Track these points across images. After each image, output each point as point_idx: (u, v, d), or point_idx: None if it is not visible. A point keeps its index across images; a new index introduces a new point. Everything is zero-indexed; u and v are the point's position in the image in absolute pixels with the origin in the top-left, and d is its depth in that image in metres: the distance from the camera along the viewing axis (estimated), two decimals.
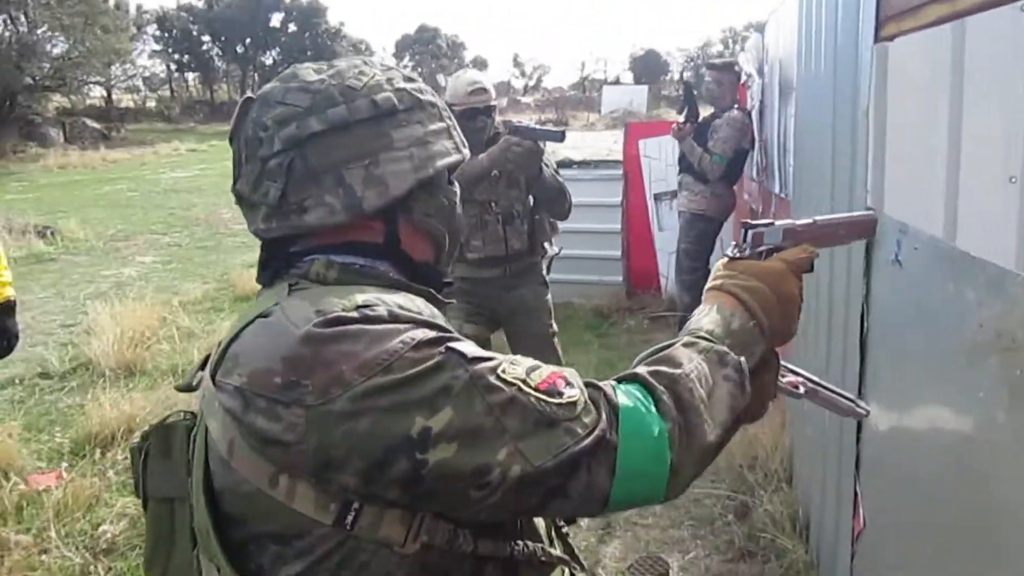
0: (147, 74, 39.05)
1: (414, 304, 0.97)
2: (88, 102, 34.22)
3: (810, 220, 1.22)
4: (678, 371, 0.94)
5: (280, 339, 0.89)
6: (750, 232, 1.17)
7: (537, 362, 0.94)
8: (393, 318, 0.91)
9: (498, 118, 3.41)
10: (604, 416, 0.89)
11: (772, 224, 1.19)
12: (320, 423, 0.84)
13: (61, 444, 4.16)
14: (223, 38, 40.26)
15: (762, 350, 1.04)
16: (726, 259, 1.14)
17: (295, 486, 0.87)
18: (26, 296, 8.11)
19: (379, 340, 0.87)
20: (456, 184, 1.17)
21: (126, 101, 38.35)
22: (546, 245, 3.50)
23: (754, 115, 4.64)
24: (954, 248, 1.48)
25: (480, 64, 65.63)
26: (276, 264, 1.06)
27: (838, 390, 1.28)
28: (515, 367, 0.90)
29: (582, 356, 5.43)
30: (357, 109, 1.01)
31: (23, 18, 25.80)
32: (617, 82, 55.44)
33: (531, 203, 3.39)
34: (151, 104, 38.13)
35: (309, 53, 42.72)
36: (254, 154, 1.01)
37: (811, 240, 1.19)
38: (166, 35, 39.47)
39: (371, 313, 0.90)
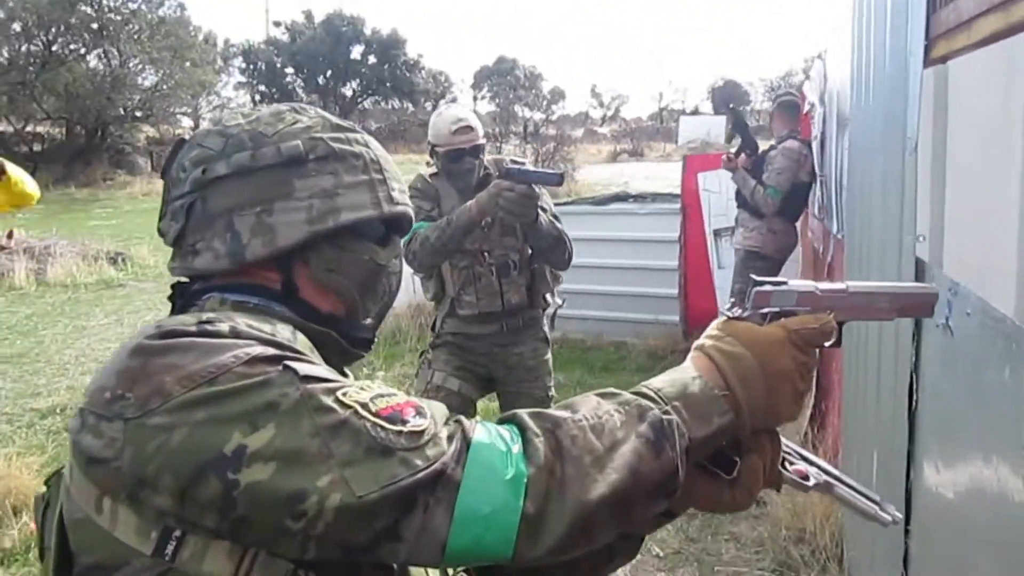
0: (233, 105, 40.44)
1: (272, 327, 0.92)
2: (176, 132, 35.53)
3: (841, 286, 1.00)
4: (567, 416, 0.84)
5: (119, 355, 0.87)
6: (754, 291, 0.97)
7: (394, 390, 0.86)
8: (234, 334, 0.86)
9: (487, 157, 3.03)
10: (453, 450, 0.80)
11: (785, 284, 0.98)
12: (136, 437, 0.79)
13: None
14: (305, 70, 41.39)
15: (725, 423, 0.88)
16: (723, 318, 0.98)
17: (117, 510, 0.82)
18: (89, 322, 8.26)
19: (210, 353, 0.82)
20: (392, 244, 1.12)
21: None
22: (548, 297, 3.11)
23: (815, 147, 4.31)
24: (1009, 320, 1.18)
25: (558, 95, 65.82)
26: (181, 302, 1.05)
27: (860, 488, 1.05)
28: (361, 392, 0.83)
29: None
30: (262, 155, 1.00)
31: (116, 51, 26.97)
32: (696, 112, 54.76)
33: (529, 251, 3.03)
34: None
35: (388, 84, 43.63)
36: (171, 193, 1.03)
37: (839, 309, 0.98)
38: (251, 67, 40.87)
39: (210, 328, 0.86)
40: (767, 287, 0.97)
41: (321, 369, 0.86)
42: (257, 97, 40.97)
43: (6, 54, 25.99)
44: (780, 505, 3.22)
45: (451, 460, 0.79)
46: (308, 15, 42.46)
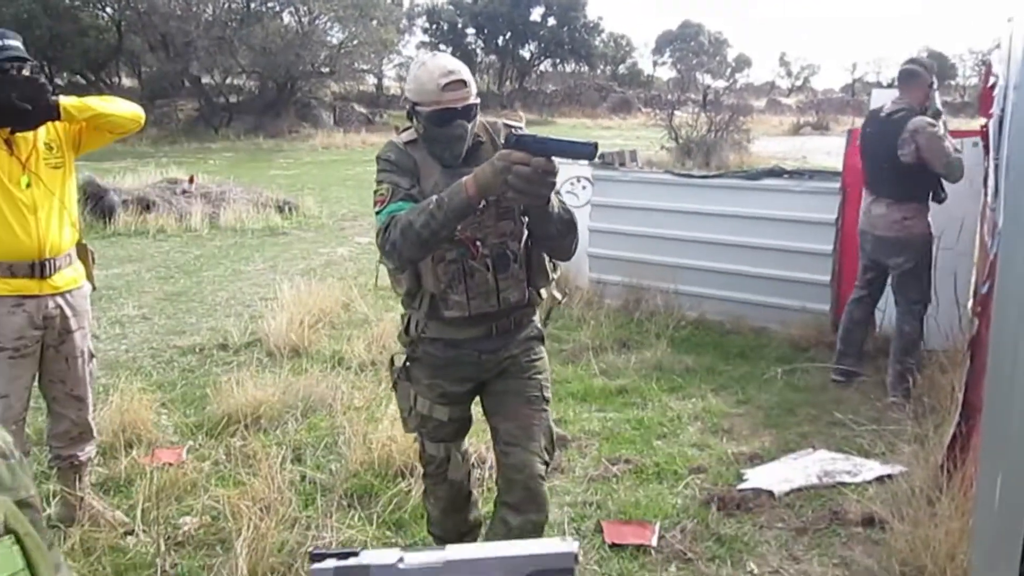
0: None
1: None
2: (360, 88, 36.98)
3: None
4: None
5: None
6: None
7: None
8: None
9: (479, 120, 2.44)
10: None
11: None
12: None
13: (197, 422, 4.21)
14: (486, 31, 41.88)
15: None
16: None
17: None
18: (246, 267, 8.67)
19: None
20: None
21: (395, 88, 41.03)
22: (542, 292, 2.57)
23: (992, 125, 3.74)
24: None
25: (744, 62, 63.13)
26: None
27: None
28: None
29: (761, 394, 4.75)
30: None
31: (307, 9, 28.29)
32: (892, 86, 50.81)
33: (525, 238, 2.48)
34: None
35: (566, 47, 43.36)
36: None
37: None
38: (434, 27, 41.82)
39: None
40: None
41: None
42: None
43: (211, 10, 27.83)
44: (900, 535, 2.81)
45: None
46: None
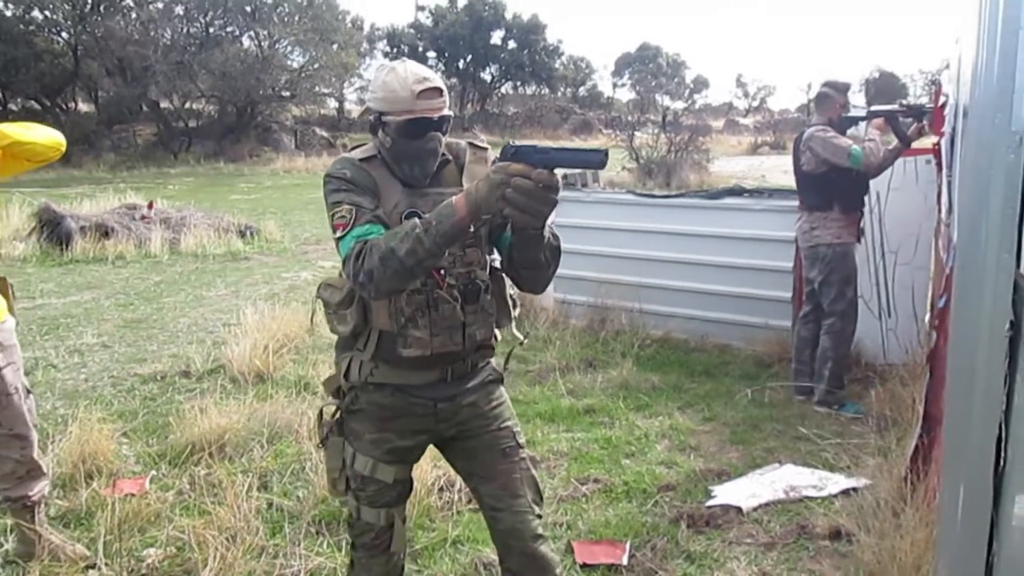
0: None
1: None
2: (322, 112, 36.91)
3: None
4: None
5: None
6: None
7: None
8: None
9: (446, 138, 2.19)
10: None
11: None
12: None
13: (160, 451, 4.13)
14: (446, 54, 42.15)
15: None
16: None
17: None
18: (208, 292, 8.56)
19: None
20: None
21: (356, 112, 41.02)
22: (499, 333, 2.30)
23: (944, 144, 3.84)
24: None
25: (701, 84, 64.15)
26: None
27: None
28: None
29: (727, 411, 4.79)
30: None
31: (266, 33, 28.26)
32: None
33: (491, 268, 2.24)
34: None
35: (527, 70, 43.73)
36: None
37: None
38: (395, 50, 41.92)
39: None
40: None
41: None
42: None
43: (169, 35, 27.66)
44: (867, 547, 2.85)
45: None
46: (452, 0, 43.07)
